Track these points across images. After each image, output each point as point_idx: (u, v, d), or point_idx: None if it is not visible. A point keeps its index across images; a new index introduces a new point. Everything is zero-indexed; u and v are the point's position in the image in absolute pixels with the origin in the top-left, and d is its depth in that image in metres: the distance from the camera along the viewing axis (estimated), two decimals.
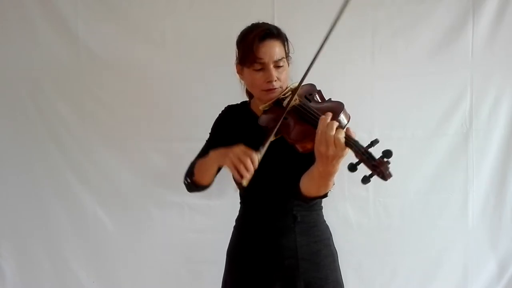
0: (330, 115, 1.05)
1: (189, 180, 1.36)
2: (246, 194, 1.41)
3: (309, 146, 1.10)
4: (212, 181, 1.36)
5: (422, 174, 1.87)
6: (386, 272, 1.91)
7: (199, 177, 1.33)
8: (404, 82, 1.82)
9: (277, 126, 1.15)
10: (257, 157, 1.11)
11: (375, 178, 0.96)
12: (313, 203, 1.33)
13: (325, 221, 1.40)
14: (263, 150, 1.13)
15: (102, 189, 1.87)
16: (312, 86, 1.31)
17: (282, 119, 1.16)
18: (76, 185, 1.87)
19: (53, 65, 1.81)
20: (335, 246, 1.40)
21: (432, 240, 1.90)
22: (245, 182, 1.10)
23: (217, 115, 1.45)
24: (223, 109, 1.46)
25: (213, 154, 1.25)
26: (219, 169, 1.32)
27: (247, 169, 1.09)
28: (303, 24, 1.75)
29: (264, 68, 1.25)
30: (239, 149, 1.12)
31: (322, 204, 1.40)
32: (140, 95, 1.83)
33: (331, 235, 1.40)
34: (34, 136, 1.84)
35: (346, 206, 1.87)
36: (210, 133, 1.45)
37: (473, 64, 1.83)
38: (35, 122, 1.83)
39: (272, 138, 1.16)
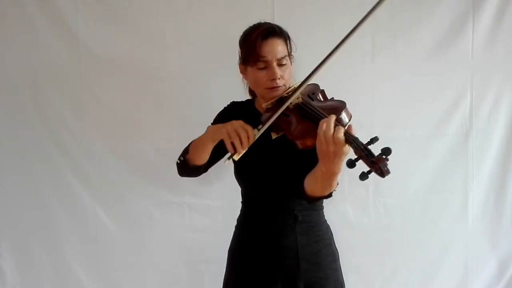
0: (333, 117, 1.05)
1: (182, 158, 1.32)
2: (247, 193, 1.41)
3: (309, 143, 1.11)
4: (205, 163, 1.31)
5: (422, 174, 1.87)
6: (386, 272, 1.91)
7: (193, 154, 1.29)
8: (404, 82, 1.82)
9: (282, 109, 1.15)
10: (254, 134, 1.10)
11: (374, 176, 0.96)
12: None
13: (326, 221, 1.40)
14: (262, 129, 1.13)
15: (102, 189, 1.87)
16: (315, 85, 1.32)
17: (286, 104, 1.16)
18: (76, 185, 1.87)
19: (53, 65, 1.81)
20: (336, 246, 1.41)
21: (432, 240, 1.91)
22: (236, 157, 1.10)
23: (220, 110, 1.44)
24: (226, 105, 1.45)
25: (210, 128, 1.25)
26: (215, 158, 1.32)
27: (242, 143, 1.09)
28: (303, 24, 1.75)
29: (267, 66, 1.26)
30: (237, 123, 1.13)
31: (323, 204, 1.40)
32: (140, 95, 1.83)
33: (332, 235, 1.40)
34: (34, 136, 1.84)
35: (346, 206, 1.87)
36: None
37: (473, 64, 1.83)
38: (35, 122, 1.83)
39: (275, 120, 1.15)
